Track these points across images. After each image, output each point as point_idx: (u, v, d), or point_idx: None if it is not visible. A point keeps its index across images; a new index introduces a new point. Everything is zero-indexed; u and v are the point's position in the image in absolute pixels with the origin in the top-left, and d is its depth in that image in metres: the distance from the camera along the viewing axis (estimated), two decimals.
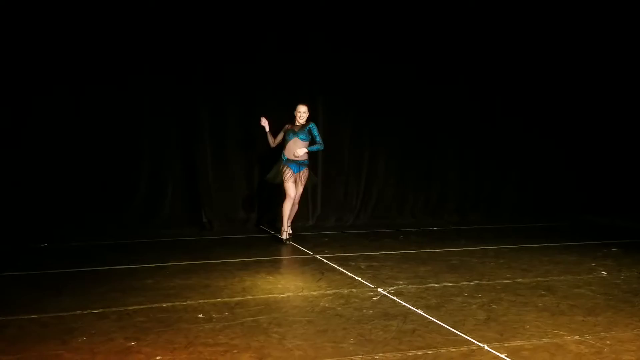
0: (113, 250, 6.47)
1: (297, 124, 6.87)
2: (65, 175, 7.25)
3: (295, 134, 6.81)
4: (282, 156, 6.84)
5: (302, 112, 6.84)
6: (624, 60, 9.11)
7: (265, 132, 6.90)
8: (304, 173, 6.88)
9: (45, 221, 7.03)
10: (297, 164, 6.80)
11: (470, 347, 3.69)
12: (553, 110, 9.21)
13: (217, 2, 7.64)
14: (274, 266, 5.80)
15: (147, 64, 7.51)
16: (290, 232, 7.00)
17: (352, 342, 3.78)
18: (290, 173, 6.77)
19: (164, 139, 7.76)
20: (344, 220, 8.41)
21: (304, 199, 8.26)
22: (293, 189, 6.78)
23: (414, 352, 3.59)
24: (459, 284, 5.16)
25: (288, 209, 6.82)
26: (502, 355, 3.55)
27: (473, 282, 5.23)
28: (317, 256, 6.23)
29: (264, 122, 6.86)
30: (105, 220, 7.33)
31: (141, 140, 7.66)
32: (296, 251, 6.57)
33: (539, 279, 5.39)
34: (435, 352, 3.61)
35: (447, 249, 6.68)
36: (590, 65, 9.15)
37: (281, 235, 6.91)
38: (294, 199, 6.84)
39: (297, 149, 6.74)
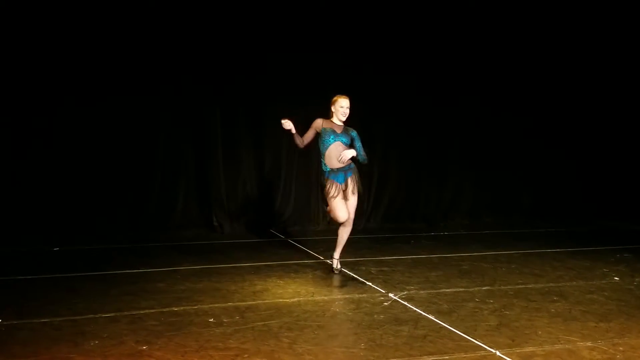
0: (125, 253, 6.51)
1: (338, 122, 5.51)
2: (78, 179, 7.29)
3: (337, 136, 5.44)
4: (323, 166, 5.51)
5: (345, 108, 5.45)
6: (633, 63, 9.03)
7: (292, 134, 5.53)
8: (354, 179, 5.49)
9: (59, 225, 7.07)
10: (343, 170, 5.45)
11: (482, 352, 3.68)
12: (568, 116, 9.15)
13: (226, 10, 7.67)
14: (285, 270, 5.81)
15: (160, 71, 7.55)
16: (337, 262, 5.76)
17: (362, 347, 3.77)
18: (335, 188, 5.38)
19: (176, 143, 7.79)
20: (355, 224, 8.37)
21: (315, 202, 8.25)
22: (343, 209, 5.39)
23: (425, 358, 3.58)
24: (471, 289, 5.14)
25: (343, 234, 5.57)
26: None
27: (485, 288, 5.21)
28: (328, 261, 6.23)
29: (288, 125, 5.44)
30: (118, 224, 7.36)
31: (154, 145, 7.69)
32: (307, 255, 6.58)
33: (551, 284, 5.36)
34: (447, 357, 3.60)
35: (459, 254, 6.65)
36: (600, 68, 9.10)
37: (331, 263, 5.82)
38: (347, 220, 5.47)
39: (339, 154, 5.40)
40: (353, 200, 5.48)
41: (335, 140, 5.43)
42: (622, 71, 9.14)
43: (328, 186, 5.40)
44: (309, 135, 5.54)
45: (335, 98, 5.53)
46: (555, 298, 4.89)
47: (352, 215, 5.53)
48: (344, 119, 5.50)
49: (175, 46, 7.57)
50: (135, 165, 7.58)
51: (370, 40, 8.24)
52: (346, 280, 5.46)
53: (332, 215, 5.53)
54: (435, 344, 3.82)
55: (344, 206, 5.40)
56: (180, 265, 5.92)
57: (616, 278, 5.60)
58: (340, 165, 5.40)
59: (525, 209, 9.10)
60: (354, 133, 5.54)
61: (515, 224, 8.68)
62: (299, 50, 7.96)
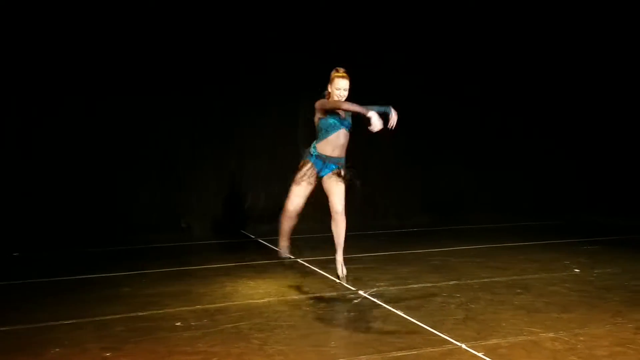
0: (89, 258, 6.41)
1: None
2: (38, 181, 7.16)
3: (342, 122, 4.69)
4: (312, 148, 4.81)
5: (342, 90, 4.65)
6: (620, 62, 9.25)
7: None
8: (340, 170, 4.80)
9: (18, 229, 6.92)
10: (331, 162, 4.77)
11: (449, 346, 3.74)
12: (547, 109, 9.36)
13: (202, 11, 7.62)
14: (256, 271, 5.80)
15: (127, 70, 7.47)
16: (284, 249, 5.08)
17: (333, 345, 3.80)
18: (308, 171, 4.75)
19: (143, 143, 7.71)
20: (326, 222, 8.37)
21: (284, 201, 8.20)
22: (297, 199, 4.76)
23: (395, 354, 3.63)
24: (439, 284, 5.22)
25: (335, 230, 4.90)
26: (480, 354, 3.60)
27: (452, 282, 5.30)
28: (299, 260, 6.25)
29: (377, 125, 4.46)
30: (81, 227, 7.25)
31: (119, 146, 7.60)
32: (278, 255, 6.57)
33: (515, 277, 5.48)
34: (416, 352, 3.65)
35: (429, 250, 6.74)
36: (589, 67, 9.32)
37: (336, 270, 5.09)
38: (337, 212, 4.81)
39: (339, 144, 4.73)
40: (339, 188, 4.76)
41: (339, 128, 4.69)
42: (603, 69, 9.36)
43: (302, 166, 4.77)
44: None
45: (332, 75, 4.70)
46: (519, 290, 5.00)
47: (339, 200, 4.77)
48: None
49: (147, 46, 7.48)
50: (99, 167, 7.48)
51: (360, 39, 8.22)
52: (317, 279, 5.48)
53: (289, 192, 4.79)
54: (404, 339, 3.87)
55: (299, 197, 4.73)
56: (147, 268, 5.86)
57: (577, 270, 5.76)
58: (334, 155, 4.73)
59: (494, 204, 9.26)
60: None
61: (484, 220, 8.80)
62: (272, 50, 7.94)
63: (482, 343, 3.80)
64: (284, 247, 5.06)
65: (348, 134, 4.77)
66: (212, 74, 7.81)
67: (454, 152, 9.03)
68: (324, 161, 4.76)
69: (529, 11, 8.93)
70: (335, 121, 4.69)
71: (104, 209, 7.50)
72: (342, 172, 4.80)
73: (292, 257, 5.18)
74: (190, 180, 7.85)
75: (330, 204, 4.81)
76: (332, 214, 4.83)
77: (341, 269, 4.97)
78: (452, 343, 3.80)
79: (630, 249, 6.66)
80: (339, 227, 4.87)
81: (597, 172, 9.56)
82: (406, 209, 8.85)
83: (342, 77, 4.68)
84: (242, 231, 7.93)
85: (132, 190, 7.69)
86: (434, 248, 6.82)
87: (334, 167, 4.79)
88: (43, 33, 7.03)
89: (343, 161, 4.85)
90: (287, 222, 4.90)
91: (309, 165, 4.77)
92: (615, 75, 9.37)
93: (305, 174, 4.75)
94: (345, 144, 4.81)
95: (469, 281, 5.33)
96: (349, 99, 4.68)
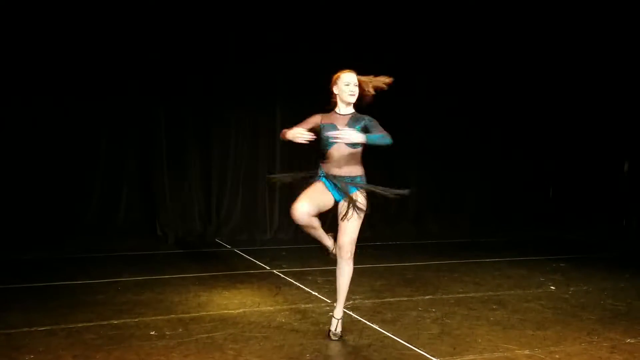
0: (63, 264, 6.27)
1: (344, 110, 4.04)
2: (12, 185, 7.02)
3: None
4: (320, 171, 4.08)
5: (352, 85, 3.95)
6: (589, 80, 9.32)
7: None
8: (353, 199, 3.96)
9: None
10: (343, 181, 3.99)
11: None
12: (512, 128, 9.45)
13: (172, 11, 7.53)
14: (231, 281, 5.74)
15: (104, 75, 7.38)
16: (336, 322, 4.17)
17: (308, 357, 3.78)
18: (317, 183, 4.04)
19: (119, 149, 7.62)
20: (303, 234, 8.32)
21: (262, 210, 8.18)
22: (306, 203, 3.93)
23: None
24: (414, 298, 5.23)
25: (338, 277, 4.09)
26: None
27: (427, 297, 5.31)
28: (274, 271, 6.21)
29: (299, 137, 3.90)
30: (55, 233, 7.11)
31: (95, 151, 7.50)
32: (253, 266, 6.53)
33: (490, 293, 5.52)
34: None
35: (404, 263, 6.76)
36: (555, 84, 9.42)
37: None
38: (339, 251, 4.04)
39: (342, 157, 3.96)
40: (349, 224, 3.96)
41: (335, 141, 3.92)
42: (570, 87, 9.46)
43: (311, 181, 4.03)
44: (309, 125, 4.01)
45: (336, 75, 4.01)
46: (494, 306, 5.04)
47: (344, 241, 3.98)
48: (352, 100, 3.97)
49: (119, 49, 7.41)
50: (75, 172, 7.37)
51: (332, 39, 8.13)
52: (292, 290, 5.45)
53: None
54: (379, 353, 3.86)
55: (307, 201, 3.91)
56: (122, 276, 5.76)
57: (552, 287, 5.82)
58: (340, 173, 3.96)
59: (472, 219, 9.30)
60: (367, 122, 3.96)
61: (461, 234, 8.86)
62: (247, 54, 7.89)
63: (458, 359, 3.81)
64: (327, 247, 4.29)
65: (350, 149, 3.95)
66: (188, 83, 7.72)
67: (418, 168, 9.03)
68: (333, 182, 3.98)
69: (505, 26, 8.98)
70: (331, 131, 3.91)
71: (78, 215, 7.37)
72: (357, 198, 3.93)
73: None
74: (165, 187, 7.74)
75: (337, 244, 4.07)
76: (337, 256, 4.07)
77: (335, 326, 4.09)
78: (427, 358, 3.80)
79: (604, 267, 6.76)
80: (340, 275, 4.05)
81: (553, 188, 9.71)
82: (380, 221, 8.84)
83: (348, 71, 3.99)
84: (217, 240, 7.85)
85: (107, 197, 7.57)
86: (406, 262, 6.84)
87: (353, 189, 3.97)
88: (10, 34, 6.85)
89: (360, 181, 4.01)
90: (307, 230, 4.12)
91: (318, 183, 4.02)
92: (581, 94, 9.51)
93: (313, 184, 4.02)
94: (354, 157, 3.98)
95: (444, 296, 5.35)
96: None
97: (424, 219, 9.13)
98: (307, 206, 3.92)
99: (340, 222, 4.00)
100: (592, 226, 9.05)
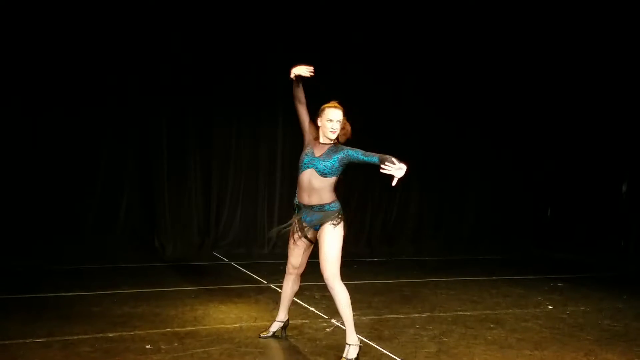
0: (61, 276, 6.25)
1: (325, 140, 4.03)
2: (9, 195, 6.99)
3: (312, 161, 3.98)
4: (295, 200, 4.20)
5: (335, 122, 3.96)
6: (589, 98, 9.31)
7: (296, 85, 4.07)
8: (327, 229, 4.00)
9: None
10: (312, 210, 4.03)
11: None
12: (505, 146, 9.47)
13: (172, 18, 7.52)
14: (227, 295, 5.72)
15: (105, 83, 7.38)
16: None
17: None
18: (296, 228, 4.12)
19: (118, 160, 7.61)
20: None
21: (260, 224, 8.16)
22: (292, 258, 4.20)
23: None
24: (412, 316, 5.21)
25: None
26: None
27: (425, 314, 5.29)
28: (272, 285, 6.18)
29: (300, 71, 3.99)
30: (52, 244, 7.08)
31: (94, 161, 7.49)
32: (250, 280, 6.51)
33: (488, 311, 5.50)
34: None
35: (401, 280, 6.74)
36: (557, 103, 9.43)
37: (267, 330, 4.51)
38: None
39: (310, 185, 3.97)
40: (327, 248, 3.98)
41: (308, 167, 3.96)
42: (553, 102, 9.47)
43: (293, 224, 4.13)
44: (303, 112, 4.11)
45: (322, 107, 4.03)
46: (492, 325, 5.02)
47: (322, 266, 4.02)
48: (333, 137, 3.97)
49: (120, 56, 7.41)
50: (73, 182, 7.35)
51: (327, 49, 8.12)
52: (289, 306, 5.41)
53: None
54: None
55: (293, 256, 4.18)
56: (118, 288, 5.73)
57: (550, 307, 5.80)
58: (310, 202, 3.99)
59: (469, 237, 9.29)
60: (350, 152, 3.93)
61: (458, 251, 8.84)
62: (248, 62, 7.88)
63: None
64: (276, 319, 4.47)
65: (322, 178, 3.95)
66: (189, 93, 7.71)
67: (419, 182, 9.01)
68: (304, 211, 4.05)
69: (492, 34, 8.92)
70: (308, 158, 3.99)
71: (76, 226, 7.34)
72: (332, 229, 3.97)
73: (281, 335, 4.48)
74: (165, 200, 7.73)
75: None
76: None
77: (346, 352, 3.99)
78: None
79: (602, 287, 6.75)
80: (337, 302, 4.04)
81: (551, 207, 9.71)
82: (375, 238, 8.83)
83: (334, 107, 4.00)
84: (215, 254, 7.83)
85: (106, 209, 7.55)
86: (404, 279, 6.81)
87: (316, 217, 4.01)
88: (12, 37, 6.84)
89: (329, 208, 4.00)
90: (285, 285, 4.34)
91: (295, 218, 4.11)
92: (581, 116, 9.52)
93: (293, 230, 4.12)
94: (322, 188, 3.97)
95: (441, 313, 5.33)
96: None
97: (422, 236, 9.13)
98: (296, 261, 4.25)
99: (320, 248, 4.05)
100: (590, 246, 9.05)
